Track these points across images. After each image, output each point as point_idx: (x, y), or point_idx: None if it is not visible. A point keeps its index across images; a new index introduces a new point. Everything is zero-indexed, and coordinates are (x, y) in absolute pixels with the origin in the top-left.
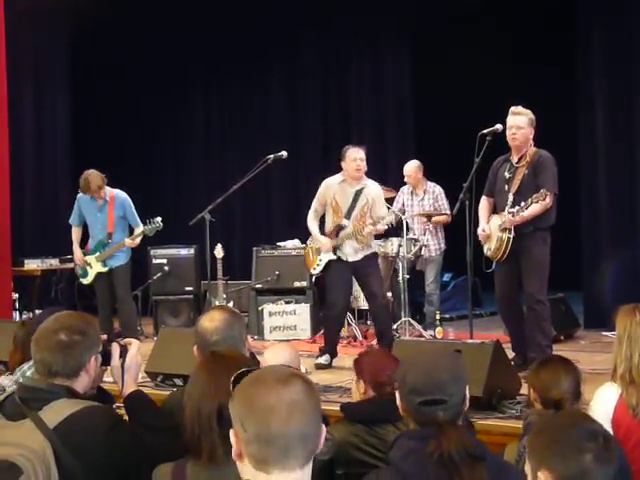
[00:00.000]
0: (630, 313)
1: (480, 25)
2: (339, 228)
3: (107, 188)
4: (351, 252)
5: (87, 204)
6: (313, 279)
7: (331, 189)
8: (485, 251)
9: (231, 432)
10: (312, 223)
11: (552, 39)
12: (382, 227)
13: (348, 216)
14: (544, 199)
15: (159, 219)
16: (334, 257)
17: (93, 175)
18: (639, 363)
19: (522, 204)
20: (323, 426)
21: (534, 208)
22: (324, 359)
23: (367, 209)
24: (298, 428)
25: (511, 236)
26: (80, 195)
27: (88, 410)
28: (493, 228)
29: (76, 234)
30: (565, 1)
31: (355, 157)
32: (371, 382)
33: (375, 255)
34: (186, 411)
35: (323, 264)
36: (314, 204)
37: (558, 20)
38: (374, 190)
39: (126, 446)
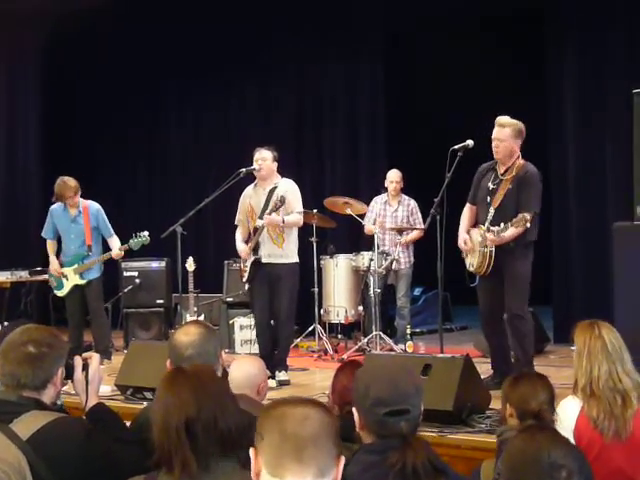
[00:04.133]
0: (588, 328)
1: (453, 35)
2: (255, 230)
3: (80, 199)
4: (266, 254)
5: (60, 215)
6: (246, 287)
7: (247, 196)
8: (467, 266)
9: (250, 452)
10: (237, 236)
11: (523, 44)
12: (292, 218)
13: (262, 216)
14: (524, 225)
15: (146, 233)
16: (252, 258)
17: (68, 179)
18: (599, 376)
19: (502, 225)
20: (342, 458)
21: (513, 231)
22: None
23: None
24: (312, 431)
25: (492, 249)
26: (52, 207)
27: (61, 421)
28: (475, 242)
29: (51, 247)
30: (533, 7)
31: (256, 158)
32: (337, 402)
33: (294, 267)
34: (154, 428)
35: (249, 269)
36: (237, 215)
37: (528, 23)
38: (285, 186)
39: (100, 456)
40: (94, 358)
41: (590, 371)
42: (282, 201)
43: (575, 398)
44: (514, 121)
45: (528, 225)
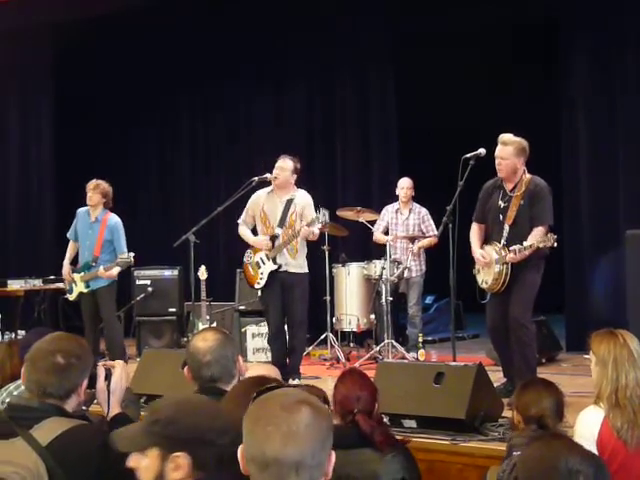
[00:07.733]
0: (612, 337)
1: (464, 47)
2: (274, 238)
3: (105, 210)
4: (283, 262)
5: (82, 217)
6: (259, 293)
7: (260, 200)
8: (480, 283)
9: (240, 446)
10: (243, 231)
11: (536, 52)
12: (316, 230)
13: (281, 225)
14: (552, 243)
15: (131, 254)
16: (274, 267)
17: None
18: (627, 384)
19: (524, 243)
20: (332, 453)
21: (535, 246)
22: None
23: (295, 217)
24: (293, 457)
25: (509, 266)
26: (79, 210)
27: (80, 428)
28: (491, 258)
29: (71, 249)
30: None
31: (277, 165)
32: (339, 412)
33: (305, 277)
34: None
35: (265, 277)
36: (242, 215)
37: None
38: (302, 199)
39: (118, 464)
40: (117, 367)
41: (617, 379)
42: (325, 215)
43: (597, 408)
44: (517, 139)
45: (555, 245)
